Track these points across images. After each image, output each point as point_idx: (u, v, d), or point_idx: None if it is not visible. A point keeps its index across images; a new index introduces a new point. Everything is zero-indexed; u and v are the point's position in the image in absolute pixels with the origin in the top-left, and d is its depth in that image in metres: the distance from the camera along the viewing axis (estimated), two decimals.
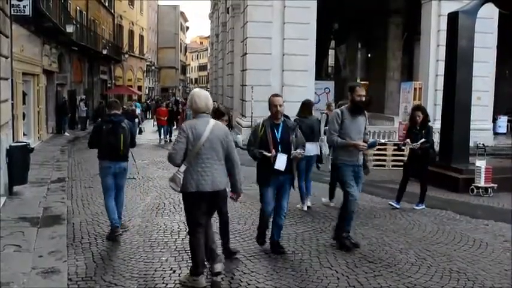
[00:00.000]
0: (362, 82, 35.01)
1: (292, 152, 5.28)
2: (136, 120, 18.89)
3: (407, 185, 8.05)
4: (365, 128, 5.91)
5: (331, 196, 8.01)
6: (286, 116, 5.53)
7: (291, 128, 5.41)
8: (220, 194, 4.46)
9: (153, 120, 29.51)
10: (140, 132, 19.31)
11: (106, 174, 6.09)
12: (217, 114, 5.28)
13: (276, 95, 5.51)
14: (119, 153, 6.02)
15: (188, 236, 4.62)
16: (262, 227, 5.56)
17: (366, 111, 5.97)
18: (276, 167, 5.18)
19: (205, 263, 4.56)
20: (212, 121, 4.41)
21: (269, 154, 5.19)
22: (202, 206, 4.36)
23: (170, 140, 18.35)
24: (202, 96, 4.44)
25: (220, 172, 4.39)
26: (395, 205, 7.85)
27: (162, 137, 19.08)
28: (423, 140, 7.74)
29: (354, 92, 5.72)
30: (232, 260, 5.18)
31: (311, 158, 7.55)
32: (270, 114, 5.42)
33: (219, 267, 4.50)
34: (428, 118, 8.12)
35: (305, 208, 7.56)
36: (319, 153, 7.83)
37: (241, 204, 7.40)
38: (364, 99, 5.76)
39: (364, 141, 5.78)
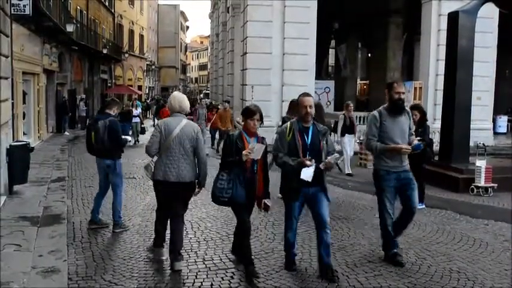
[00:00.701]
0: (362, 82, 35.15)
1: (327, 159, 4.64)
2: (138, 119, 18.82)
3: None
4: (410, 128, 5.31)
5: None
6: (315, 119, 4.94)
7: (322, 133, 4.75)
8: (186, 185, 4.88)
9: (152, 120, 29.51)
10: (143, 131, 19.27)
11: (97, 169, 6.52)
12: (247, 113, 4.78)
13: (306, 94, 4.84)
14: (92, 149, 6.36)
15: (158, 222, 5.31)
16: (288, 249, 4.97)
17: (408, 109, 5.35)
18: (302, 176, 4.54)
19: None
20: (184, 121, 4.92)
21: (308, 162, 4.52)
22: (168, 193, 4.92)
23: None
24: (176, 98, 5.05)
25: (187, 166, 4.85)
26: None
27: None
28: (418, 138, 7.71)
29: (391, 90, 5.12)
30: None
31: None
32: (298, 116, 4.83)
33: (177, 265, 4.83)
34: (426, 117, 8.15)
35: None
36: None
37: None
38: (403, 96, 5.15)
39: (408, 143, 5.19)
